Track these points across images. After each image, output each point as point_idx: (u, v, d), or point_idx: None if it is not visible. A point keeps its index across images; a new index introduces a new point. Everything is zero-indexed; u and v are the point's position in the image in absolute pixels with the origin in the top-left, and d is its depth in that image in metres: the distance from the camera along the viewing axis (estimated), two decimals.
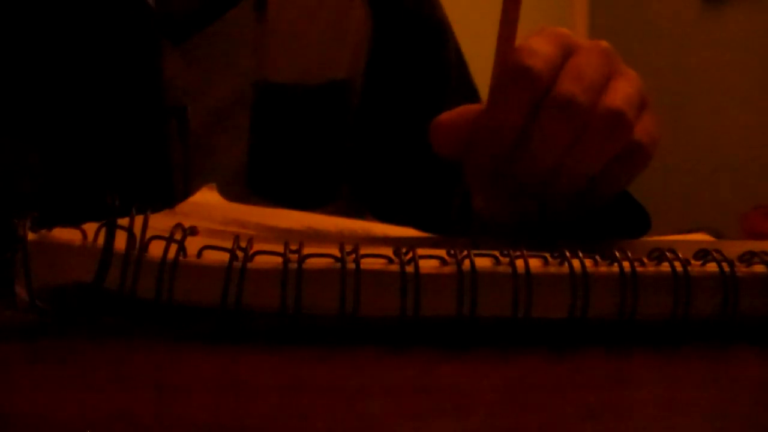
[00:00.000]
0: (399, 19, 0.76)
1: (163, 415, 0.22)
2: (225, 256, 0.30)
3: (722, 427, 0.23)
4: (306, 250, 0.31)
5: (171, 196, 0.65)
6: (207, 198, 0.54)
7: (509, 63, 0.41)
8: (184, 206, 0.49)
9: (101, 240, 0.31)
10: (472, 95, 0.80)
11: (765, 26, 2.79)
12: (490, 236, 0.44)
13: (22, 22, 0.65)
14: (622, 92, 0.43)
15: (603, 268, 0.31)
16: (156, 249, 0.30)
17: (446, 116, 0.44)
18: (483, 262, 0.31)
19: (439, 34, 0.79)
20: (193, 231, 0.33)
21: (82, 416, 0.22)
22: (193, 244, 0.31)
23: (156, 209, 0.38)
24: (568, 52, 0.43)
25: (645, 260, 0.32)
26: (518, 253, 0.31)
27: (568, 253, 0.31)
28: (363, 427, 0.22)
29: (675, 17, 3.02)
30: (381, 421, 0.22)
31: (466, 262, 0.31)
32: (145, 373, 0.27)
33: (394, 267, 0.30)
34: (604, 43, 0.45)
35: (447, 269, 0.31)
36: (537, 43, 0.42)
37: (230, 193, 0.67)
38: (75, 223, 0.32)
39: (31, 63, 0.65)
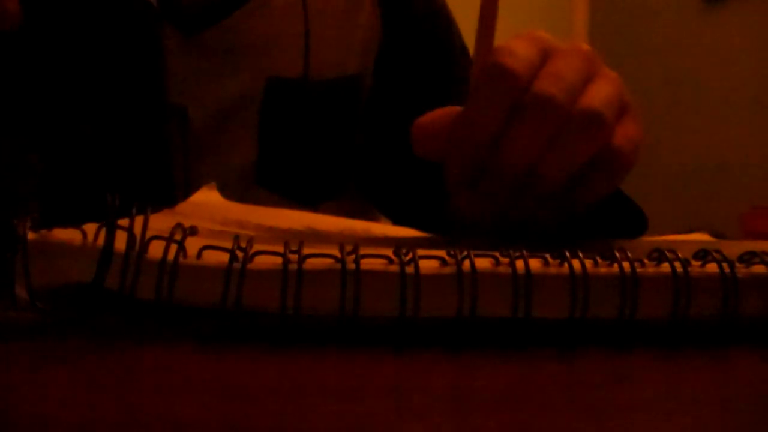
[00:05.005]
0: (407, 16, 0.77)
1: (162, 415, 0.22)
2: (225, 257, 0.30)
3: (722, 426, 0.23)
4: (306, 250, 0.31)
5: (171, 196, 0.65)
6: (207, 198, 0.54)
7: (488, 63, 0.41)
8: (184, 206, 0.49)
9: (101, 240, 0.31)
10: None
11: (765, 26, 2.79)
12: (472, 237, 0.44)
13: (22, 21, 0.65)
14: (600, 94, 0.42)
15: (603, 269, 0.31)
16: (156, 249, 0.30)
17: (427, 117, 0.44)
18: (483, 263, 0.31)
19: (446, 31, 0.80)
20: (193, 231, 0.33)
21: (82, 416, 0.22)
22: (193, 245, 0.31)
23: (156, 209, 0.38)
24: (546, 54, 0.43)
25: (645, 260, 0.32)
26: (518, 254, 0.31)
27: (568, 254, 0.31)
28: (363, 427, 0.22)
29: (675, 17, 3.02)
30: (381, 421, 0.22)
31: (466, 263, 0.31)
32: (145, 373, 0.27)
33: (394, 267, 0.30)
34: (584, 46, 0.45)
35: (447, 269, 0.31)
36: (516, 45, 0.42)
37: (239, 187, 0.68)
38: (75, 223, 0.32)
39: (30, 62, 0.65)
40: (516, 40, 0.43)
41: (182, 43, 0.67)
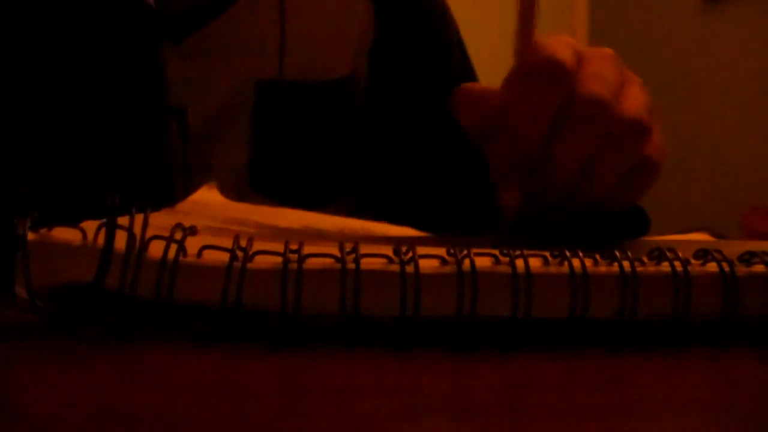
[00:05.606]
0: (402, 15, 0.76)
1: (163, 416, 0.22)
2: (225, 256, 0.30)
3: (722, 426, 0.23)
4: (306, 250, 0.31)
5: (171, 196, 0.65)
6: (207, 197, 0.54)
7: (537, 59, 0.41)
8: (184, 205, 0.49)
9: (101, 240, 0.31)
10: None
11: (765, 26, 2.79)
12: (523, 235, 0.44)
13: (21, 21, 0.65)
14: (638, 100, 0.42)
15: (603, 268, 0.31)
16: (156, 249, 0.30)
17: (474, 86, 0.44)
18: (483, 262, 0.31)
19: (443, 29, 0.79)
20: (193, 230, 0.33)
21: (82, 416, 0.22)
22: (193, 244, 0.31)
23: (156, 208, 0.38)
24: (579, 58, 0.43)
25: (645, 260, 0.32)
26: (518, 253, 0.31)
27: (568, 253, 0.31)
28: (363, 427, 0.22)
29: (675, 17, 3.02)
30: (381, 421, 0.22)
31: (466, 262, 0.31)
32: (145, 373, 0.27)
33: (394, 267, 0.30)
34: (609, 51, 0.45)
35: (447, 269, 0.31)
36: (553, 44, 0.42)
37: (233, 191, 0.67)
38: (75, 223, 0.32)
39: (30, 63, 0.65)
40: (548, 42, 0.42)
41: (170, 50, 0.67)
